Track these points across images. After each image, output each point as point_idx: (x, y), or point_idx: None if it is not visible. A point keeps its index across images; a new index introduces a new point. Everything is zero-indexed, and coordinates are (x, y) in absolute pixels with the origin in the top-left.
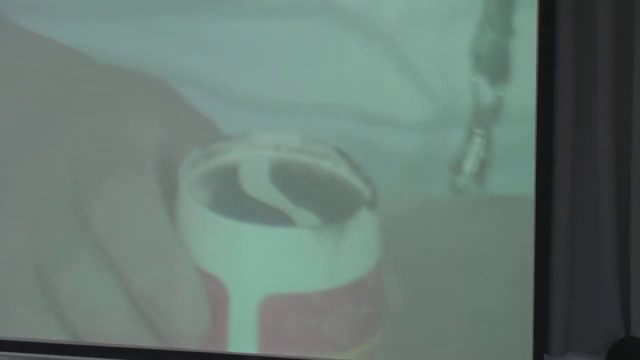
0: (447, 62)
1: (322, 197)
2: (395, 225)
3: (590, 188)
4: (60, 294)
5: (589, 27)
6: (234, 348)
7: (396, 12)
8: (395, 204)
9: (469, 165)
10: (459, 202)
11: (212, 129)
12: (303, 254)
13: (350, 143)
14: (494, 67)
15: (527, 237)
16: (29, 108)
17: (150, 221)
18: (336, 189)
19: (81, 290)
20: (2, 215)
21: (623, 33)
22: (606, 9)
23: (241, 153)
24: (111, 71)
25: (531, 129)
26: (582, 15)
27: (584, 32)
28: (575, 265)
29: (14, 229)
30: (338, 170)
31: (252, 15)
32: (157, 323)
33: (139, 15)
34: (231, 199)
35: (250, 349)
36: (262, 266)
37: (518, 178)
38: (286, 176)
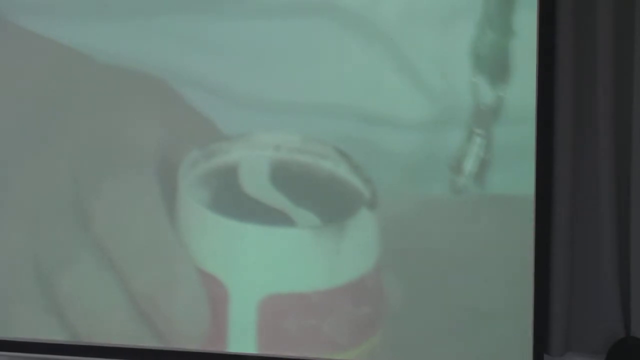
0: (447, 62)
1: (322, 197)
2: (395, 225)
3: (590, 188)
4: (60, 294)
5: (589, 27)
6: (233, 348)
7: (396, 12)
8: (395, 204)
9: (469, 165)
10: (459, 202)
11: (212, 129)
12: (303, 253)
13: (350, 143)
14: (494, 67)
15: (527, 237)
16: (29, 108)
17: (150, 221)
18: (336, 189)
19: (81, 290)
20: (2, 215)
21: (623, 33)
22: (606, 9)
23: (241, 153)
24: (111, 71)
25: (531, 129)
26: (582, 15)
27: (584, 32)
28: (575, 265)
29: (14, 229)
30: (338, 170)
31: (252, 15)
32: (157, 323)
33: (139, 15)
34: (231, 199)
35: (250, 349)
36: (262, 266)
37: (518, 178)
38: (286, 176)
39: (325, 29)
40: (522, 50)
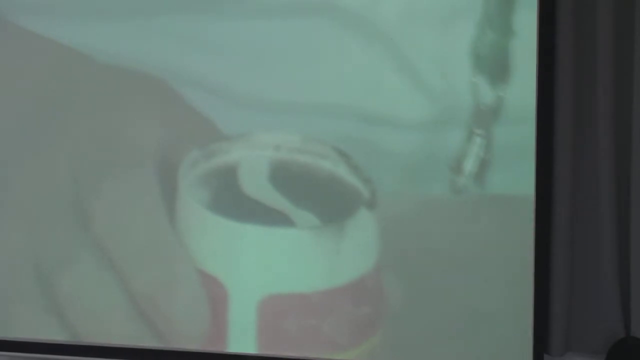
0: (447, 62)
1: (321, 197)
2: (395, 225)
3: (590, 188)
4: (60, 294)
5: (589, 27)
6: (233, 348)
7: (396, 12)
8: (395, 204)
9: (469, 165)
10: (459, 202)
11: (212, 129)
12: (303, 254)
13: (350, 143)
14: (494, 67)
15: (527, 237)
16: (29, 108)
17: (150, 221)
18: (336, 189)
19: (81, 290)
20: (2, 215)
21: (623, 33)
22: (606, 9)
23: (241, 153)
24: (111, 71)
25: (531, 129)
26: (582, 15)
27: (584, 32)
28: (575, 265)
29: (14, 229)
30: (338, 171)
31: (252, 15)
32: (157, 323)
33: (139, 15)
34: (231, 199)
35: (250, 349)
36: (261, 266)
37: (518, 178)
38: (286, 176)
39: (325, 29)
40: (522, 50)
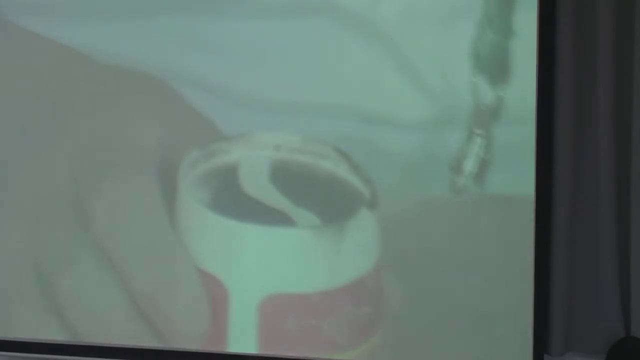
0: (447, 62)
1: (322, 197)
2: (395, 225)
3: (590, 188)
4: (60, 294)
5: (589, 27)
6: (233, 348)
7: (396, 12)
8: (395, 204)
9: (469, 165)
10: (459, 202)
11: (212, 129)
12: (303, 254)
13: (350, 143)
14: (494, 67)
15: (527, 237)
16: (29, 108)
17: (150, 221)
18: (336, 189)
19: (81, 290)
20: (2, 215)
21: (623, 33)
22: (606, 9)
23: (241, 153)
24: (111, 71)
25: (531, 129)
26: (582, 15)
27: (584, 32)
28: (575, 265)
29: (14, 229)
30: (338, 170)
31: (252, 15)
32: (157, 323)
33: (139, 15)
34: (231, 199)
35: (250, 349)
36: (262, 266)
37: (518, 178)
38: (286, 176)
39: (325, 29)
40: (522, 50)
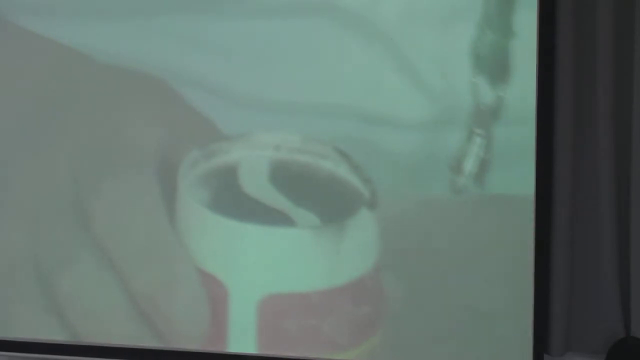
0: (447, 62)
1: (322, 197)
2: (395, 225)
3: (590, 188)
4: (60, 294)
5: (589, 27)
6: (233, 348)
7: (396, 12)
8: (395, 204)
9: (469, 165)
10: (459, 202)
11: (212, 129)
12: (303, 253)
13: (350, 143)
14: (494, 67)
15: (527, 237)
16: (29, 108)
17: (150, 221)
18: (336, 189)
19: (81, 290)
20: (2, 215)
21: (623, 33)
22: (606, 9)
23: (241, 153)
24: (111, 71)
25: (531, 129)
26: (582, 15)
27: (584, 32)
28: (575, 265)
29: (14, 229)
30: (338, 170)
31: (252, 15)
32: (157, 323)
33: (139, 15)
34: (231, 199)
35: (250, 349)
36: (262, 266)
37: (518, 178)
38: (286, 176)
39: (325, 29)
40: (522, 50)
